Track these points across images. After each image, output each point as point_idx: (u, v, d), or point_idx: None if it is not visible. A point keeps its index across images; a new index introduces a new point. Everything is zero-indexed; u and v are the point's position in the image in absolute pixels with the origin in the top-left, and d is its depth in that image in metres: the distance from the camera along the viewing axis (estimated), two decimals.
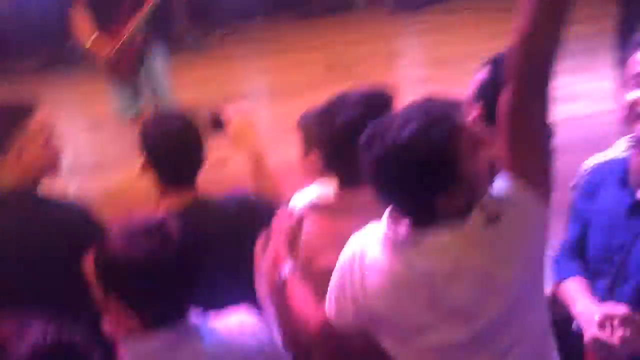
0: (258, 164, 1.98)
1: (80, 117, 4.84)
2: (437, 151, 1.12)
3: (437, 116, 1.15)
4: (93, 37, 3.57)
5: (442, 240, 1.17)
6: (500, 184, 1.19)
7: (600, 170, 1.61)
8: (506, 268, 1.16)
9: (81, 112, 5.01)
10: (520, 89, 1.14)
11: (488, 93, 1.70)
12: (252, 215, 1.78)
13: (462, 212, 1.16)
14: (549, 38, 1.13)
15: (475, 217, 1.16)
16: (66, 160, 4.00)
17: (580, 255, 1.58)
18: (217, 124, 1.98)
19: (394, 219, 1.24)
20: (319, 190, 1.79)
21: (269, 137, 3.74)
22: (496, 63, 1.76)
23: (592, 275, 1.52)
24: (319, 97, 1.96)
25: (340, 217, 1.48)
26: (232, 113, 1.98)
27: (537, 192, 1.17)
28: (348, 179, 1.50)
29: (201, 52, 6.46)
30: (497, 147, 1.20)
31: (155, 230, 1.25)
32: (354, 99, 1.50)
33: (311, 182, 1.94)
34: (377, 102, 1.49)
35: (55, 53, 6.80)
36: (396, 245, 1.22)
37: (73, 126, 4.65)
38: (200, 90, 5.05)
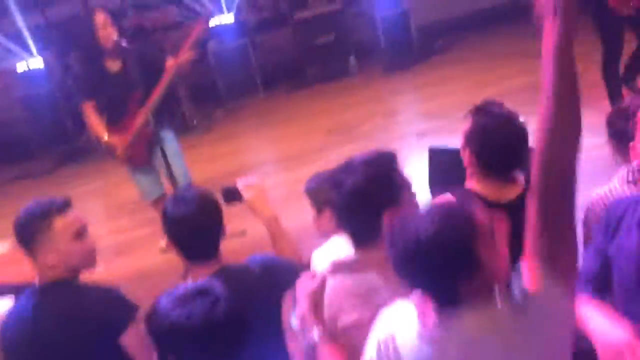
0: (275, 229, 2.10)
1: (101, 207, 5.04)
2: (456, 247, 1.22)
3: (456, 213, 1.25)
4: (107, 133, 3.81)
5: (471, 328, 1.24)
6: (525, 275, 1.27)
7: (620, 205, 1.66)
8: (527, 354, 1.22)
9: (102, 203, 5.21)
10: (546, 201, 1.23)
11: (474, 140, 1.89)
12: (275, 275, 1.89)
13: (484, 296, 1.24)
14: (567, 151, 1.21)
15: (502, 304, 1.24)
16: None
17: (599, 291, 1.62)
18: (231, 197, 2.13)
19: (422, 302, 1.32)
20: (336, 247, 1.91)
21: (281, 204, 3.90)
22: (478, 111, 1.93)
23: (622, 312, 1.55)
24: (325, 160, 2.13)
25: (358, 275, 1.56)
26: (243, 185, 2.12)
27: (564, 283, 1.24)
28: (362, 237, 1.59)
29: (207, 132, 6.74)
30: (526, 237, 1.28)
31: (204, 293, 1.37)
32: (360, 163, 1.60)
33: (327, 240, 2.08)
34: (381, 164, 1.60)
35: (68, 151, 7.10)
36: (427, 331, 1.29)
37: (95, 216, 4.84)
38: (211, 167, 5.27)
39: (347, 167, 1.60)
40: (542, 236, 1.25)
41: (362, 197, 1.52)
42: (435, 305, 1.28)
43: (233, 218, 3.86)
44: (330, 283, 1.60)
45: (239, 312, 1.39)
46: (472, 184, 1.90)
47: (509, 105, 1.97)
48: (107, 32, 3.62)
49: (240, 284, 1.81)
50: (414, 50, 7.37)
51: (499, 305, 1.23)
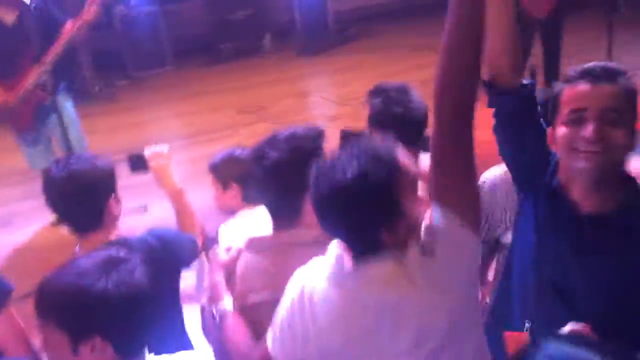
0: (179, 202, 2.04)
1: None
2: (379, 189, 1.19)
3: (377, 156, 1.21)
4: None
5: (384, 272, 1.22)
6: (432, 215, 1.24)
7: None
8: (443, 297, 1.21)
9: None
10: (443, 121, 1.22)
11: (379, 119, 1.95)
12: (173, 249, 1.82)
13: (402, 245, 1.24)
14: (467, 69, 1.19)
15: (413, 250, 1.23)
16: None
17: None
18: (138, 165, 2.03)
19: (339, 254, 1.30)
20: (245, 222, 1.86)
21: (186, 180, 3.76)
22: (377, 91, 1.98)
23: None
24: (233, 139, 2.07)
25: (276, 255, 1.51)
26: (151, 153, 2.04)
27: (465, 220, 1.22)
28: (282, 215, 1.54)
29: (110, 101, 6.39)
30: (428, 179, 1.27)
31: (117, 261, 1.27)
32: (286, 137, 1.54)
33: (232, 216, 2.02)
34: (308, 139, 1.54)
35: None
36: (342, 279, 1.27)
37: None
38: (111, 139, 4.99)
39: (272, 141, 1.53)
40: (436, 166, 1.24)
41: (286, 172, 1.46)
42: (353, 253, 1.26)
43: (135, 193, 3.67)
44: (245, 258, 1.56)
45: (153, 277, 1.30)
46: None
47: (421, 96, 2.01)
48: None
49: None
50: (329, 35, 7.37)
51: (411, 253, 1.22)
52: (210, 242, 1.96)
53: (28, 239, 3.75)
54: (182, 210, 2.03)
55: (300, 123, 1.67)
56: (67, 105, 3.68)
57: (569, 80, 1.44)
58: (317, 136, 1.55)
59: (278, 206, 1.54)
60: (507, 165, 1.59)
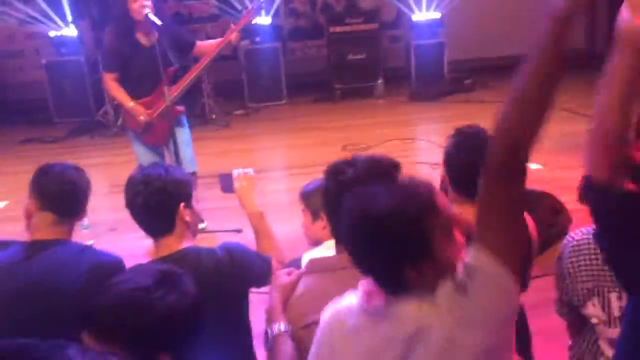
0: (259, 225, 2.07)
1: (103, 180, 5.00)
2: (410, 224, 1.18)
3: (414, 192, 1.22)
4: (131, 104, 3.79)
5: (410, 309, 1.22)
6: (469, 253, 1.23)
7: None
8: (471, 335, 1.18)
9: (104, 177, 5.18)
10: (496, 161, 1.20)
11: (453, 161, 1.91)
12: (240, 265, 1.84)
13: (432, 285, 1.21)
14: (525, 123, 1.17)
15: (445, 286, 1.21)
16: (87, 221, 4.12)
17: None
18: (226, 185, 2.12)
19: (370, 290, 1.28)
20: (327, 250, 1.86)
21: (282, 209, 3.85)
22: (459, 135, 1.94)
23: None
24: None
25: (336, 277, 1.50)
26: (237, 175, 2.12)
27: (504, 262, 1.19)
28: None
29: (224, 128, 6.73)
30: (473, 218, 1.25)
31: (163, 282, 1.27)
32: (365, 159, 1.57)
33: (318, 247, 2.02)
34: (386, 164, 1.56)
35: (84, 123, 7.13)
36: (370, 315, 1.27)
37: (95, 189, 4.80)
38: (219, 162, 5.23)
39: (350, 160, 1.58)
40: (481, 205, 1.21)
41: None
42: (381, 287, 1.25)
43: (231, 215, 3.79)
44: (305, 280, 1.57)
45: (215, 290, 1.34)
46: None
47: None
48: (139, 4, 3.61)
49: (199, 267, 1.77)
50: (443, 83, 7.35)
51: (442, 290, 1.20)
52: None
53: (130, 246, 3.98)
54: (260, 232, 2.07)
55: (403, 166, 1.67)
56: (184, 126, 3.93)
57: None
58: (394, 165, 1.56)
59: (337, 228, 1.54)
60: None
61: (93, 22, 7.71)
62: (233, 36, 3.77)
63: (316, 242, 1.98)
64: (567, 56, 1.17)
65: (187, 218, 1.84)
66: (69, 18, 7.34)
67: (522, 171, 1.19)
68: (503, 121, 1.18)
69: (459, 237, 1.26)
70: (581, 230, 1.84)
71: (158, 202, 1.80)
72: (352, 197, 1.27)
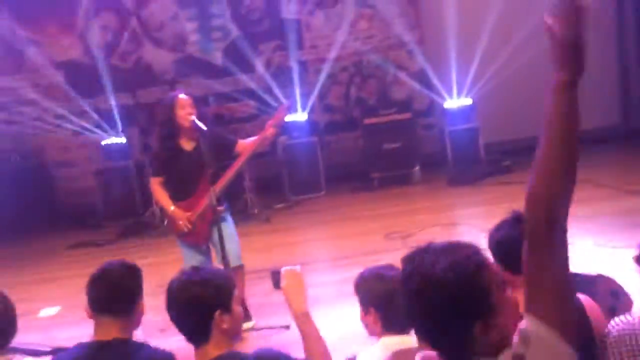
0: (304, 325, 2.02)
1: (152, 280, 5.09)
2: (468, 283, 1.21)
3: (464, 254, 1.25)
4: (172, 208, 3.93)
5: None
6: (525, 322, 1.23)
7: None
8: None
9: (153, 276, 5.28)
10: (535, 236, 1.22)
11: (495, 241, 1.93)
12: None
13: (495, 349, 1.22)
14: (551, 195, 1.21)
15: (504, 356, 1.21)
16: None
17: None
18: (276, 281, 2.14)
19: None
20: (381, 350, 1.84)
21: (328, 302, 3.84)
22: (508, 222, 1.94)
23: None
24: (379, 263, 2.10)
25: None
26: (285, 272, 2.10)
27: (559, 333, 1.20)
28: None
29: (266, 222, 6.85)
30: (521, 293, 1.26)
31: None
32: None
33: (374, 340, 2.00)
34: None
35: (133, 224, 7.37)
36: None
37: (146, 290, 4.89)
38: (263, 257, 5.29)
39: (427, 248, 1.59)
40: (527, 280, 1.22)
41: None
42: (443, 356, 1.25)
43: (279, 310, 3.78)
44: None
45: None
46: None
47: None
48: (186, 112, 3.83)
49: None
50: (480, 167, 7.39)
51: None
52: None
53: (180, 346, 3.99)
54: (306, 335, 2.00)
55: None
56: (228, 221, 4.03)
57: None
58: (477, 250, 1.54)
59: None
60: None
61: (141, 129, 8.16)
62: (269, 132, 3.91)
63: (372, 334, 1.95)
64: (578, 124, 1.21)
65: (225, 326, 1.84)
66: (119, 127, 7.81)
67: (560, 242, 1.21)
68: (530, 195, 1.23)
69: (512, 296, 1.28)
70: (623, 319, 1.76)
71: (191, 313, 1.85)
72: (407, 266, 1.29)
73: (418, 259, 1.28)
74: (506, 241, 1.88)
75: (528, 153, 5.82)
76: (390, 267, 2.03)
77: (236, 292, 1.95)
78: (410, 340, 1.81)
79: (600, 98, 8.03)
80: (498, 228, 1.98)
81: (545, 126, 1.23)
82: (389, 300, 1.89)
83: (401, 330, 1.90)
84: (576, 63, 1.19)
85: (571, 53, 1.19)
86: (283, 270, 2.11)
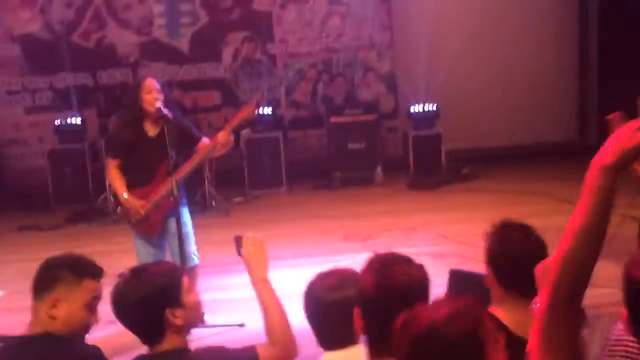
0: (263, 291, 1.97)
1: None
2: (467, 335, 1.19)
3: (464, 305, 1.24)
4: (126, 195, 3.76)
5: None
6: None
7: None
8: None
9: (103, 266, 5.10)
10: (556, 301, 1.22)
11: (500, 260, 1.88)
12: None
13: None
14: (588, 256, 1.20)
15: None
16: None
17: None
18: (238, 247, 2.07)
19: None
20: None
21: (284, 300, 3.77)
22: (502, 231, 1.93)
23: None
24: (336, 265, 2.05)
25: None
26: (246, 238, 2.04)
27: None
28: (378, 347, 1.51)
29: (224, 215, 6.72)
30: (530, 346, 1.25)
31: None
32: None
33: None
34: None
35: (83, 210, 7.11)
36: None
37: None
38: (219, 251, 5.17)
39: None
40: (542, 341, 1.22)
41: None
42: None
43: (234, 307, 3.69)
44: None
45: None
46: (496, 309, 1.83)
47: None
48: (152, 96, 3.70)
49: None
50: (441, 173, 7.44)
51: None
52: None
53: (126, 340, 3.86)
54: (266, 301, 1.95)
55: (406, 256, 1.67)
56: (186, 218, 3.90)
57: None
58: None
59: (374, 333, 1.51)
60: None
61: (99, 111, 7.89)
62: (219, 138, 3.74)
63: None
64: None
65: (178, 322, 1.80)
66: (75, 107, 7.53)
67: (580, 303, 1.23)
68: (559, 274, 1.22)
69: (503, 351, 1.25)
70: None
71: (139, 319, 1.80)
72: (407, 312, 1.26)
73: (417, 307, 1.27)
74: (512, 263, 1.85)
75: (488, 162, 5.89)
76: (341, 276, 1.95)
77: (185, 281, 1.89)
78: (352, 353, 1.77)
79: (559, 116, 8.23)
80: (504, 246, 1.92)
81: (583, 207, 1.20)
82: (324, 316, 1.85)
83: (341, 346, 1.84)
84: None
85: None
86: (246, 237, 2.04)
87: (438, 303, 1.26)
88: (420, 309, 1.26)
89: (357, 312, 1.61)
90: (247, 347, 1.89)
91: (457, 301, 1.25)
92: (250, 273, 1.99)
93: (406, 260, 1.64)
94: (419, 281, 1.60)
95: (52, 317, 1.89)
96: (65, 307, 1.89)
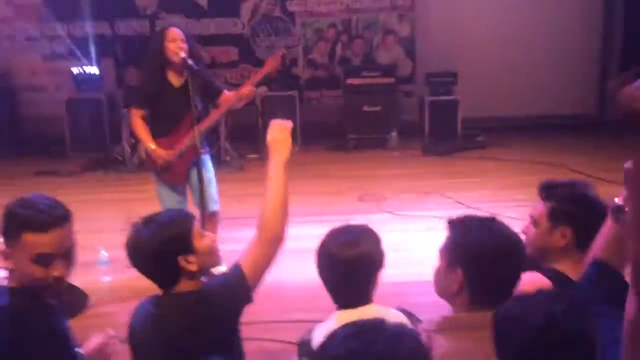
0: (277, 171, 2.03)
1: (119, 217, 5.00)
2: (575, 334, 1.18)
3: (569, 302, 1.22)
4: (153, 146, 3.80)
5: None
6: None
7: None
8: None
9: (120, 213, 5.19)
10: None
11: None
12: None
13: None
14: None
15: None
16: (104, 256, 4.11)
17: None
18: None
19: None
20: (336, 324, 1.77)
21: (295, 256, 3.82)
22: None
23: None
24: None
25: (476, 335, 1.38)
26: (274, 123, 2.08)
27: None
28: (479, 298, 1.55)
29: (238, 171, 6.77)
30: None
31: None
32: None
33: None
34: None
35: (99, 159, 7.18)
36: None
37: (112, 225, 4.80)
38: (235, 204, 5.24)
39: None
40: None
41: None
42: None
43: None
44: (442, 343, 1.46)
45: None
46: (563, 265, 1.89)
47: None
48: (176, 45, 3.69)
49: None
50: (456, 139, 7.43)
51: None
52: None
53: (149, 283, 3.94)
54: (276, 183, 2.02)
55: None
56: (208, 167, 3.95)
57: None
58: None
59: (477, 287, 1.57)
60: None
61: (116, 61, 7.87)
62: (245, 91, 3.79)
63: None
64: None
65: (192, 267, 1.85)
66: (93, 56, 7.51)
67: None
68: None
69: None
70: None
71: (154, 268, 1.85)
72: (507, 311, 1.25)
73: (517, 307, 1.24)
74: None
75: (504, 131, 5.87)
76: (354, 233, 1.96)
77: (196, 226, 1.92)
78: (366, 312, 1.78)
79: (579, 88, 8.15)
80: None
81: None
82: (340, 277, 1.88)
83: (354, 304, 1.87)
84: None
85: None
86: (274, 121, 2.06)
87: (540, 303, 1.22)
88: (519, 311, 1.22)
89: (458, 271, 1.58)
90: (231, 266, 1.96)
91: (559, 300, 1.23)
92: (271, 155, 2.03)
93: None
94: (519, 241, 1.65)
95: (11, 270, 1.76)
96: (14, 262, 1.73)
